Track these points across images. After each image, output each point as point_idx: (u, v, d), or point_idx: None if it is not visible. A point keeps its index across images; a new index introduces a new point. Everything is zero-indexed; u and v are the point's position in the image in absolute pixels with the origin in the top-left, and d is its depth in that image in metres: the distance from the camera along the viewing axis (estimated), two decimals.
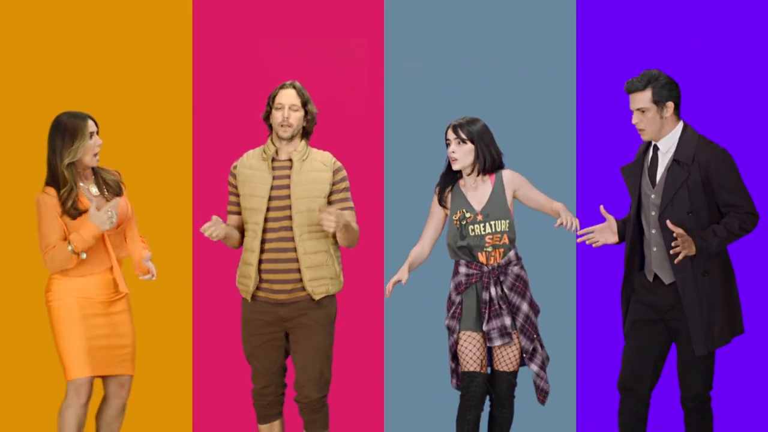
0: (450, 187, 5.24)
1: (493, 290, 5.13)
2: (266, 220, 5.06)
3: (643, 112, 4.98)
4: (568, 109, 6.30)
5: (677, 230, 4.88)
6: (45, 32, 6.23)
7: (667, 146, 5.04)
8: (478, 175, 5.20)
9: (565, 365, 6.27)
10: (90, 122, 5.01)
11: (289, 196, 5.07)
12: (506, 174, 5.21)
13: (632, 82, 4.99)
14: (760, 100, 6.28)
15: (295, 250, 5.07)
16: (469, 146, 5.17)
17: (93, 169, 5.10)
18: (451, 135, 5.19)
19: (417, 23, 6.36)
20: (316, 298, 5.10)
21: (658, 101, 4.97)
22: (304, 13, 6.36)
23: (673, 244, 4.90)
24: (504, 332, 5.13)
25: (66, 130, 4.96)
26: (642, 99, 4.97)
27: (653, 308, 5.06)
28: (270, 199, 5.06)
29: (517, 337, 5.17)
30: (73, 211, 4.97)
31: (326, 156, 5.17)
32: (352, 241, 5.18)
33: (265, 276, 5.08)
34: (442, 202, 5.26)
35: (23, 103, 6.17)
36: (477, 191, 5.21)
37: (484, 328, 5.14)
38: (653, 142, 5.05)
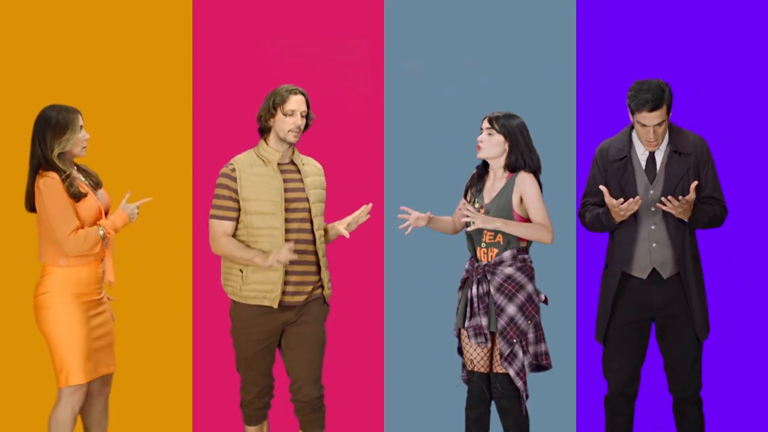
0: (477, 183, 5.23)
1: (475, 288, 5.10)
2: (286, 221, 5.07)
3: (659, 125, 4.95)
4: (568, 109, 6.30)
5: (685, 199, 4.87)
6: (45, 32, 6.23)
7: (664, 142, 5.06)
8: (499, 169, 5.19)
9: (566, 366, 6.27)
10: (80, 116, 5.02)
11: (306, 199, 5.11)
12: (520, 177, 5.12)
13: (647, 99, 4.88)
14: (760, 99, 6.28)
15: (315, 252, 5.12)
16: (498, 138, 5.13)
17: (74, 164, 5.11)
18: (485, 124, 5.16)
19: (417, 23, 6.36)
20: (328, 297, 5.19)
21: (669, 110, 4.97)
22: (304, 13, 6.36)
23: (671, 200, 4.87)
24: (478, 332, 5.07)
25: (57, 123, 4.96)
26: (660, 114, 4.94)
27: (645, 308, 5.07)
28: (286, 201, 5.08)
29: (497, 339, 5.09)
30: (77, 192, 4.94)
31: (315, 161, 5.25)
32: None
33: (288, 278, 5.08)
34: (465, 194, 5.28)
35: (24, 103, 6.17)
36: (493, 185, 5.19)
37: (465, 325, 5.12)
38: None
